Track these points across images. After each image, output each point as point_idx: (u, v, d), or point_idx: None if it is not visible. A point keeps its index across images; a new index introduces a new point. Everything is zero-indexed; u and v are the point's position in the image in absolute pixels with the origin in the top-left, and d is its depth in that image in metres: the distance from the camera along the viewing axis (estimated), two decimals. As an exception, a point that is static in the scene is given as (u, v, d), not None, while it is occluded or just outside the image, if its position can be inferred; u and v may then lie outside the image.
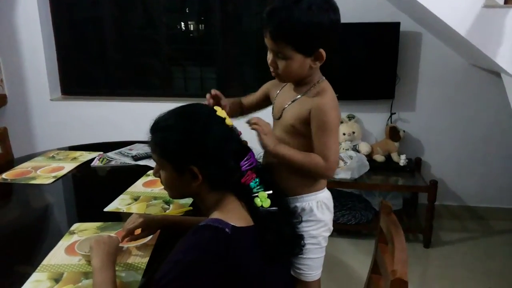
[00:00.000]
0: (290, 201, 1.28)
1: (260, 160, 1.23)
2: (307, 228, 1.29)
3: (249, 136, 1.14)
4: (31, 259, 1.17)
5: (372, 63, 2.84)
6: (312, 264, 1.32)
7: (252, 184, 1.05)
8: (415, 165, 2.92)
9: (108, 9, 3.29)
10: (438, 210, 2.87)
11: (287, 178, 1.26)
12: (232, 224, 0.95)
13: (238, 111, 1.50)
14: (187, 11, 3.35)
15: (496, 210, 3.00)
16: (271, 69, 1.24)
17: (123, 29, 3.37)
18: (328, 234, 1.37)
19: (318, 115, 1.19)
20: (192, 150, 0.99)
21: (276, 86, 1.41)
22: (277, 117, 1.30)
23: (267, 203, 1.05)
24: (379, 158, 2.88)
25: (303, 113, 1.22)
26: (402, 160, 2.83)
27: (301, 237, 1.20)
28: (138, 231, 1.20)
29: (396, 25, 2.72)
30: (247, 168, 1.04)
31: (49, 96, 3.33)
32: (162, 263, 1.17)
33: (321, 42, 1.16)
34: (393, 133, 2.86)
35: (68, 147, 2.29)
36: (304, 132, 1.23)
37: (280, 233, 1.05)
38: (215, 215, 0.99)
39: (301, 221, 1.24)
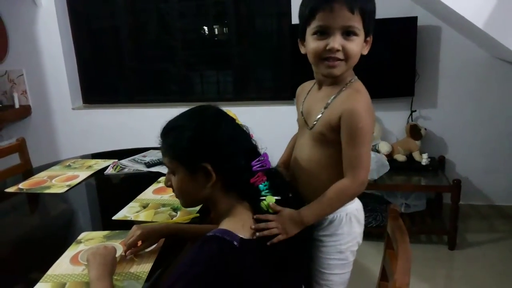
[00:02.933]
0: None
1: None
2: (333, 243, 1.21)
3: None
4: (41, 267, 1.18)
5: (390, 60, 2.76)
6: (337, 280, 1.25)
7: (261, 186, 1.01)
8: (439, 163, 2.82)
9: (124, 18, 3.35)
10: (464, 210, 2.77)
11: (314, 190, 1.16)
12: (241, 236, 0.92)
13: None
14: (202, 16, 3.35)
15: (526, 209, 2.87)
16: (332, 57, 1.09)
17: (139, 37, 3.41)
18: (356, 248, 1.27)
19: (349, 121, 1.07)
20: (204, 146, 0.97)
21: (303, 91, 1.33)
22: (310, 127, 1.19)
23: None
24: (400, 157, 2.80)
25: (333, 119, 1.10)
26: (424, 159, 2.74)
27: (309, 245, 1.16)
28: (139, 242, 1.19)
29: (413, 19, 2.64)
30: (258, 169, 1.00)
31: (71, 105, 3.40)
32: (166, 269, 1.17)
33: (374, 24, 1.12)
34: (414, 131, 2.78)
35: (91, 154, 2.32)
36: (334, 140, 1.12)
37: (286, 242, 1.02)
38: (225, 223, 0.97)
39: (312, 228, 1.18)
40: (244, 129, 1.05)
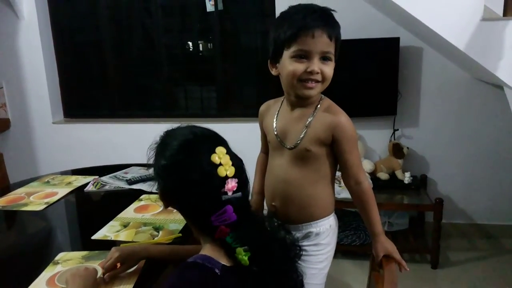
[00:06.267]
0: (305, 228, 1.28)
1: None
2: (317, 252, 1.28)
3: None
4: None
5: (373, 79, 2.79)
6: None
7: (228, 239, 0.90)
8: (421, 182, 2.84)
9: (108, 32, 3.32)
10: (446, 229, 2.78)
11: (302, 207, 1.26)
12: (223, 263, 0.88)
13: None
14: (186, 31, 3.35)
15: (507, 228, 2.90)
16: (311, 79, 1.16)
17: (123, 52, 3.38)
18: (331, 258, 1.35)
19: (344, 133, 1.19)
20: (170, 183, 0.92)
21: (269, 111, 1.38)
22: (291, 147, 1.25)
23: (245, 260, 0.89)
24: (383, 176, 2.81)
25: (321, 134, 1.20)
26: (407, 178, 2.75)
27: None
28: (118, 265, 1.15)
29: (396, 40, 2.68)
30: (219, 224, 0.89)
31: (52, 119, 3.34)
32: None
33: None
34: (397, 150, 2.80)
35: (71, 170, 2.27)
36: (319, 154, 1.22)
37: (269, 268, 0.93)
38: (207, 249, 0.92)
39: (296, 268, 1.16)
40: (224, 180, 0.88)
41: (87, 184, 1.98)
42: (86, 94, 3.48)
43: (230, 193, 0.88)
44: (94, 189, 1.92)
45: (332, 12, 1.18)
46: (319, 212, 1.28)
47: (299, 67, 1.15)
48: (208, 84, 3.38)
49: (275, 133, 1.30)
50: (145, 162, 0.99)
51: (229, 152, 0.92)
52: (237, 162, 0.92)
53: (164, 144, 0.95)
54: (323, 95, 1.28)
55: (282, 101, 1.34)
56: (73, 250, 1.36)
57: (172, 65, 3.34)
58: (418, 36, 2.72)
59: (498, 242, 2.84)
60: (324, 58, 1.16)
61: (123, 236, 1.44)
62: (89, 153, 3.26)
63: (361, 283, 2.40)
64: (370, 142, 2.96)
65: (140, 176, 1.98)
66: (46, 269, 1.24)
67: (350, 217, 2.81)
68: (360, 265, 2.59)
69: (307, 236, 1.28)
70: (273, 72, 1.26)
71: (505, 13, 1.98)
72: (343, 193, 2.55)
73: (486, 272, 2.51)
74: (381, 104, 2.82)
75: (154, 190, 1.60)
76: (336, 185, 2.54)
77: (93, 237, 1.44)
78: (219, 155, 0.88)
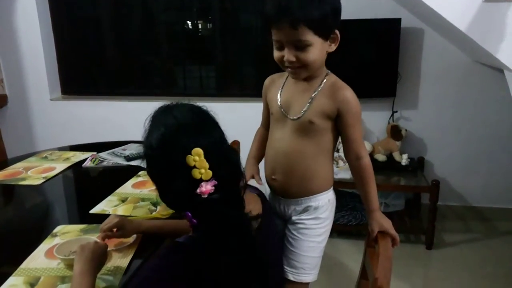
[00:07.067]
0: (305, 202, 1.30)
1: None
2: (315, 226, 1.31)
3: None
4: (15, 261, 1.14)
5: (373, 60, 2.78)
6: (312, 263, 1.32)
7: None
8: (418, 164, 2.86)
9: (107, 8, 3.27)
10: (441, 211, 2.80)
11: (302, 180, 1.28)
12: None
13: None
14: (186, 9, 3.31)
15: (501, 211, 2.92)
16: (289, 66, 1.17)
17: (122, 28, 3.34)
18: (329, 233, 1.38)
19: (351, 108, 1.20)
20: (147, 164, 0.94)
21: (274, 84, 1.38)
22: (295, 118, 1.26)
23: None
24: (380, 157, 2.82)
25: (326, 108, 1.21)
26: (404, 160, 2.76)
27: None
28: (114, 230, 1.18)
29: (397, 21, 2.66)
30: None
31: (49, 96, 3.32)
32: (144, 262, 1.15)
33: (335, 21, 1.15)
34: (395, 131, 2.80)
35: (69, 146, 2.28)
36: (322, 128, 1.23)
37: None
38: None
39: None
40: (196, 182, 0.85)
41: (85, 160, 1.98)
42: (84, 71, 3.45)
43: (205, 196, 0.84)
44: (92, 164, 1.93)
45: None
46: (319, 186, 1.30)
47: (279, 55, 1.17)
48: (207, 63, 3.35)
49: (279, 103, 1.30)
50: (141, 139, 0.99)
51: (215, 150, 0.86)
52: (226, 159, 0.88)
53: (149, 130, 0.92)
54: (329, 71, 1.28)
55: (288, 75, 1.33)
56: (71, 223, 1.37)
57: (171, 44, 3.31)
58: (419, 17, 2.70)
59: (492, 225, 2.88)
60: (298, 46, 1.13)
61: (121, 210, 1.45)
62: (87, 130, 3.25)
63: (356, 261, 2.43)
64: (369, 124, 2.96)
65: (138, 153, 1.99)
66: (45, 241, 1.25)
67: (347, 198, 2.83)
68: (355, 244, 2.63)
69: (306, 210, 1.31)
70: None
71: (508, -6, 1.96)
72: (340, 173, 2.57)
73: (480, 253, 2.55)
74: (380, 85, 2.81)
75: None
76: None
77: (91, 211, 1.45)
78: (194, 158, 0.83)
